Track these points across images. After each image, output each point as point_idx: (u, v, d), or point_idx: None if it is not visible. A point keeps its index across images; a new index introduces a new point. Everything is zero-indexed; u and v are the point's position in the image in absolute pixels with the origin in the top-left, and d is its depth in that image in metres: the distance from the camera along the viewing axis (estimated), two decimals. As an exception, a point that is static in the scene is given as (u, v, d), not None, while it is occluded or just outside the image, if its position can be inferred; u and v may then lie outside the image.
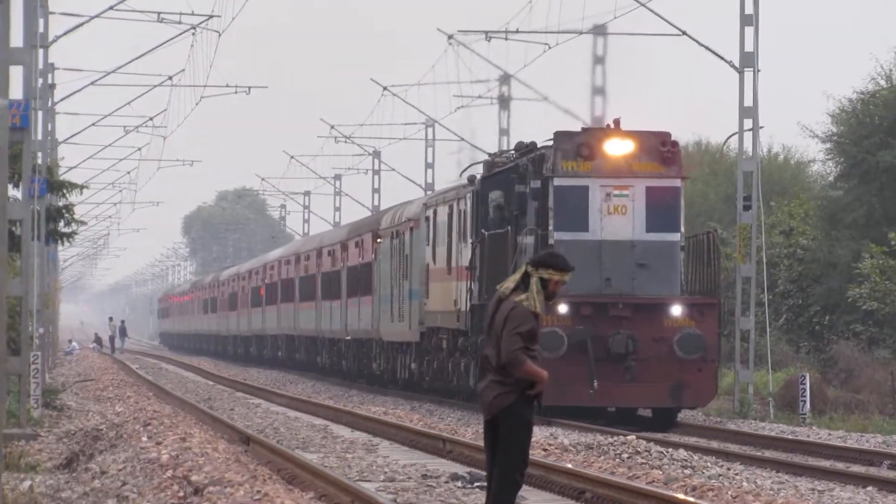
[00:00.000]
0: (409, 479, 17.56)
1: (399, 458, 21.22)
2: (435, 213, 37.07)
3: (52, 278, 43.83)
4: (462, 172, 34.35)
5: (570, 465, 16.87)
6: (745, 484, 16.84)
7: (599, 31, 41.85)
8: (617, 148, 26.93)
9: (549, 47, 39.82)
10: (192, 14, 37.14)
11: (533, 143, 30.87)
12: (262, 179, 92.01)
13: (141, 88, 47.02)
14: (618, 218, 26.68)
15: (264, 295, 67.06)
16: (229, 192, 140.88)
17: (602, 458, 18.73)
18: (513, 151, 32.62)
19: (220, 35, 39.38)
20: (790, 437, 25.70)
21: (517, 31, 41.07)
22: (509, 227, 28.79)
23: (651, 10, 32.76)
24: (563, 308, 26.47)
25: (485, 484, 12.79)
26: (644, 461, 18.21)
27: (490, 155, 33.76)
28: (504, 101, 52.31)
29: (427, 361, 37.39)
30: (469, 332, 32.54)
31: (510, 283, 9.71)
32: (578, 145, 26.96)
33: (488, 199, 30.63)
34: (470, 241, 32.31)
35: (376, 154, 70.20)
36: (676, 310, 26.42)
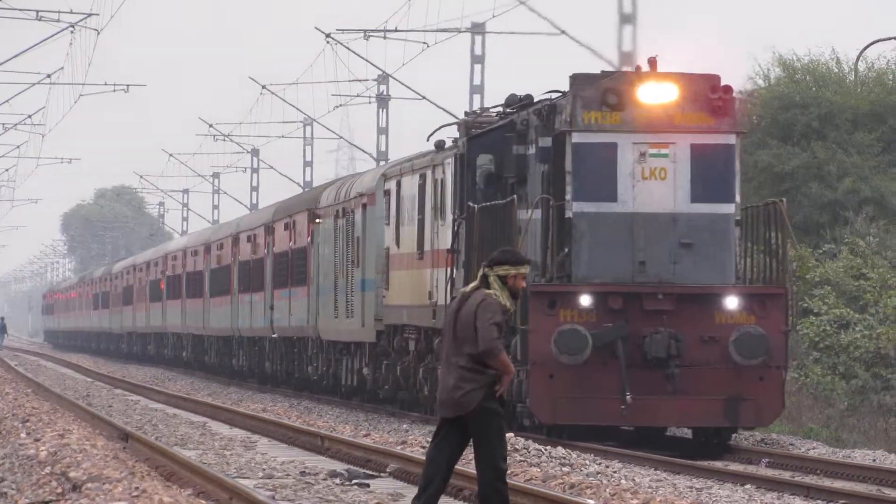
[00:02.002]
0: (287, 476, 18.48)
1: (277, 454, 22.40)
2: (399, 184, 33.11)
3: None
4: (429, 137, 31.80)
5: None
6: (623, 481, 17.49)
7: (478, 29, 43.73)
8: (654, 94, 22.91)
9: (427, 46, 41.12)
10: (71, 12, 38.76)
11: (529, 96, 27.06)
12: (141, 177, 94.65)
13: (20, 86, 49.69)
14: (655, 184, 22.93)
15: (165, 289, 65.35)
16: (108, 190, 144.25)
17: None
18: (499, 108, 28.41)
19: (98, 33, 41.77)
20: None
21: (395, 30, 42.36)
22: (514, 197, 24.58)
23: (531, 9, 33.79)
24: (586, 300, 22.93)
25: (363, 482, 16.37)
26: (522, 458, 18.82)
27: (466, 114, 30.27)
28: (382, 101, 53.26)
29: (386, 366, 33.62)
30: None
31: (471, 286, 9.98)
32: (605, 91, 22.89)
33: (476, 164, 26.37)
34: (451, 217, 28.48)
35: (255, 152, 72.93)
36: (732, 302, 22.97)
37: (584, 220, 23.06)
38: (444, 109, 41.87)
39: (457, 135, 31.03)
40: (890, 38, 44.13)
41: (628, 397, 22.88)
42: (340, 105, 54.56)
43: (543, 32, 33.79)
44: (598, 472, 19.12)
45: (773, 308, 23.37)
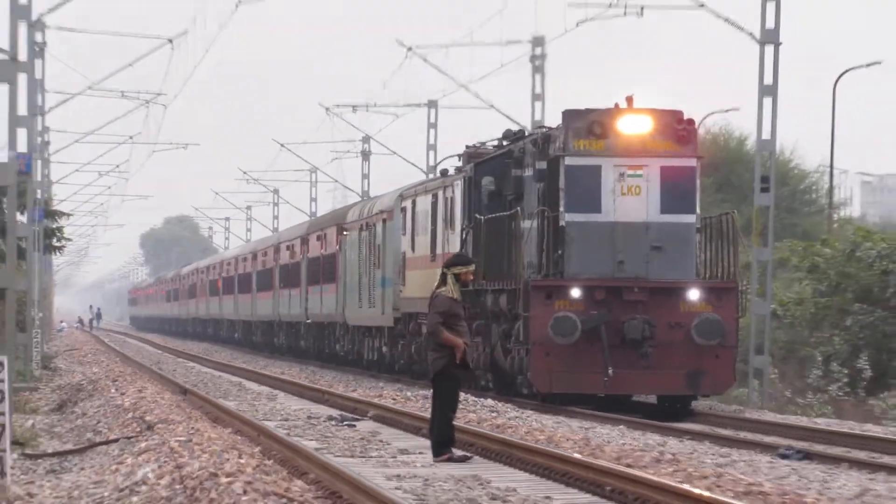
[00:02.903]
0: (298, 419, 22.90)
1: (291, 404, 27.26)
2: (413, 203, 34.73)
3: (47, 278, 55.90)
4: (436, 165, 34.91)
5: (415, 411, 21.61)
6: (533, 423, 20.71)
7: (432, 104, 56.31)
8: (631, 126, 24.56)
9: (397, 117, 57.94)
10: (147, 92, 50.62)
11: (522, 130, 29.01)
12: (196, 209, 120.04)
13: (110, 145, 63.96)
14: (631, 199, 24.46)
15: (221, 286, 75.42)
16: (173, 217, 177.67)
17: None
18: (496, 140, 30.28)
19: (165, 108, 54.89)
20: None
21: (375, 105, 57.57)
22: (518, 209, 26.06)
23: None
24: (575, 292, 24.23)
25: (354, 419, 21.35)
26: (463, 407, 20.86)
27: (467, 146, 31.24)
28: (366, 155, 67.91)
29: (402, 345, 35.68)
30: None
31: (437, 283, 14.56)
32: (591, 123, 24.50)
33: (481, 185, 28.44)
34: (459, 227, 29.88)
35: (275, 191, 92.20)
36: (694, 294, 24.21)
37: (575, 228, 24.40)
38: (412, 164, 56.10)
39: (458, 163, 32.48)
40: (722, 111, 46.99)
41: (610, 371, 23.86)
42: (336, 158, 72.05)
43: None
44: (516, 417, 22.27)
45: (727, 299, 24.33)
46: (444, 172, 33.73)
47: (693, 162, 24.68)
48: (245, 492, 12.80)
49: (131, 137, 60.16)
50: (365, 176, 67.52)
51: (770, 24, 29.41)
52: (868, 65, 50.93)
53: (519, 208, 26.18)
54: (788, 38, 31.10)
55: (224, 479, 13.55)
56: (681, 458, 16.18)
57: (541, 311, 23.99)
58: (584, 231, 24.48)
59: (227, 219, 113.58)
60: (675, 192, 24.54)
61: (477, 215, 28.20)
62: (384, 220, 37.57)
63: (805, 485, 14.29)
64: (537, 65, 45.68)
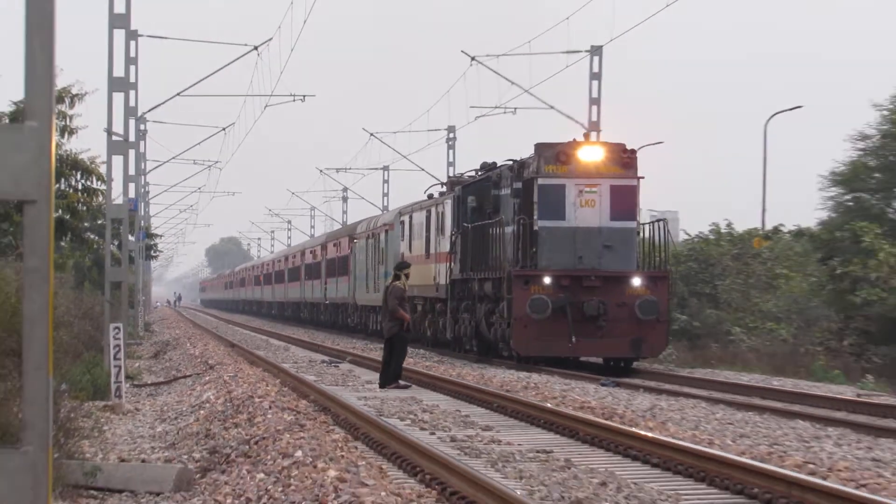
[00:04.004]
0: (302, 362, 29.42)
1: (299, 352, 34.60)
2: (410, 217, 37.08)
3: (147, 275, 67.18)
4: (426, 190, 38.04)
5: (376, 357, 26.62)
6: (472, 369, 25.84)
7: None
8: (588, 155, 26.22)
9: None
10: (208, 161, 64.66)
11: (494, 163, 30.62)
12: (240, 233, 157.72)
13: (187, 192, 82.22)
14: (588, 210, 26.19)
15: (262, 279, 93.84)
16: (225, 237, 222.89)
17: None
18: (472, 171, 32.27)
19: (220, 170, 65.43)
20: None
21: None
22: (499, 219, 27.84)
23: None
24: (547, 280, 25.53)
25: (339, 362, 29.35)
26: (419, 360, 28.91)
27: (449, 177, 32.71)
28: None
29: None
30: (448, 298, 31.59)
31: (390, 280, 21.55)
32: (557, 153, 26.20)
33: (467, 202, 29.90)
34: (449, 233, 31.24)
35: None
36: (636, 281, 25.62)
37: (545, 232, 25.80)
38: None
39: (442, 189, 35.52)
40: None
41: (573, 339, 25.29)
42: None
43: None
44: (463, 367, 26.49)
45: (661, 285, 25.72)
46: (430, 196, 36.05)
47: (634, 182, 26.00)
48: (270, 407, 16.22)
49: (199, 189, 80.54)
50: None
51: (594, 118, 32.46)
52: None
53: (499, 218, 27.26)
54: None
55: (257, 399, 17.49)
56: (540, 386, 20.39)
57: (520, 293, 25.25)
58: (552, 234, 25.84)
59: (272, 232, 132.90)
60: (621, 205, 26.04)
61: (464, 224, 29.39)
62: (386, 231, 41.17)
63: (616, 402, 17.89)
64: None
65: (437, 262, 33.13)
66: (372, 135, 52.67)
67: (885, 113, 36.93)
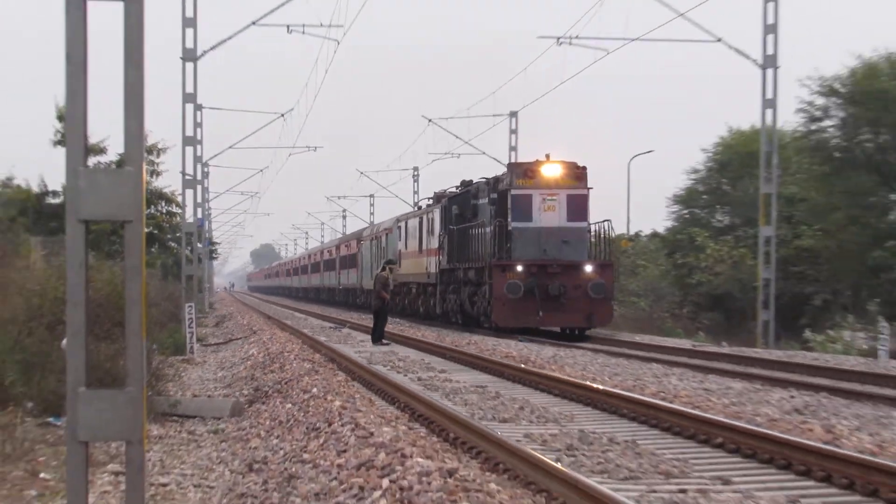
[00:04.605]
0: (316, 328, 31.94)
1: (314, 321, 38.16)
2: (406, 223, 38.53)
3: (210, 270, 70.10)
4: (415, 203, 39.69)
5: (367, 324, 31.32)
6: (453, 337, 25.93)
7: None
8: (549, 171, 27.17)
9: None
10: (252, 192, 72.53)
11: (470, 180, 31.79)
12: (273, 240, 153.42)
13: (238, 213, 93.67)
14: (550, 213, 27.06)
15: (290, 271, 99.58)
16: (264, 244, 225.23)
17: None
18: (453, 188, 33.53)
19: (260, 198, 72.67)
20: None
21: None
22: (480, 222, 28.70)
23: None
24: (519, 268, 26.25)
25: (341, 327, 32.18)
26: (403, 328, 31.01)
27: (435, 192, 34.99)
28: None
29: (398, 299, 39.22)
30: (437, 283, 32.49)
31: (379, 270, 24.49)
32: (525, 170, 26.95)
33: (451, 210, 30.94)
34: (437, 234, 32.41)
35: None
36: (588, 268, 26.38)
37: (517, 231, 26.58)
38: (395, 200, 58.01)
39: (429, 201, 36.53)
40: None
41: (540, 313, 26.13)
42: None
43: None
44: (450, 334, 27.46)
45: (607, 271, 26.52)
46: (419, 206, 37.45)
47: (585, 191, 26.79)
48: (294, 358, 18.06)
49: (245, 211, 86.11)
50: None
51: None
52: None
53: (480, 221, 28.37)
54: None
55: (286, 353, 19.48)
56: (478, 342, 22.89)
57: (499, 278, 26.16)
58: (522, 233, 26.66)
59: (307, 233, 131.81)
60: (575, 209, 26.89)
61: (450, 226, 30.55)
62: (387, 234, 42.75)
63: (529, 352, 20.00)
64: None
65: (428, 255, 34.29)
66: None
67: (709, 155, 46.36)
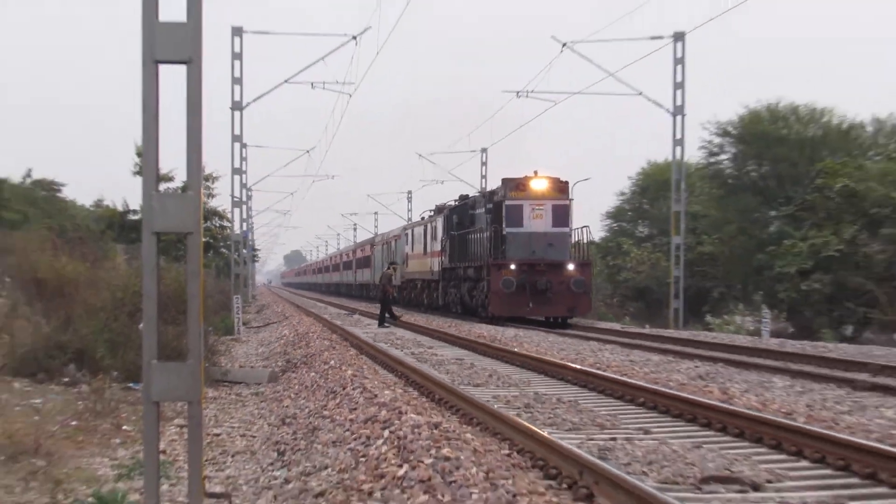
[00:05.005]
0: (334, 314, 33.50)
1: (332, 309, 39.19)
2: (412, 230, 39.05)
3: (253, 269, 70.70)
4: (421, 214, 40.00)
5: (374, 311, 32.06)
6: (451, 325, 26.06)
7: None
8: (537, 185, 27.54)
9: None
10: (283, 210, 70.01)
11: (467, 195, 32.42)
12: (301, 247, 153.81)
13: (274, 227, 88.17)
14: (538, 220, 27.35)
15: (314, 272, 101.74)
16: (295, 250, 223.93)
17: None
18: (453, 201, 33.85)
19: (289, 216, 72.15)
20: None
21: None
22: (480, 227, 29.12)
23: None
24: (512, 266, 26.58)
25: (353, 314, 33.29)
26: (403, 314, 29.70)
27: (437, 205, 35.66)
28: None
29: (405, 293, 39.99)
30: (440, 280, 32.96)
31: (385, 269, 26.16)
32: (518, 184, 27.42)
33: (452, 219, 31.46)
34: (440, 239, 32.97)
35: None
36: (570, 267, 26.67)
37: (511, 235, 26.96)
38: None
39: (430, 212, 36.20)
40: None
41: (530, 304, 26.41)
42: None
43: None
44: (452, 322, 27.22)
45: (586, 269, 26.81)
46: (425, 215, 38.26)
47: (567, 202, 26.99)
48: (316, 338, 19.06)
49: (279, 225, 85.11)
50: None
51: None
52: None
53: (479, 228, 29.04)
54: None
55: (310, 334, 20.64)
56: (459, 324, 24.37)
57: (496, 276, 26.45)
58: (515, 237, 26.99)
59: (339, 235, 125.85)
60: (559, 217, 27.20)
61: (451, 232, 31.10)
62: (396, 239, 43.63)
63: (497, 332, 21.18)
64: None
65: (432, 257, 34.73)
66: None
67: (634, 180, 51.64)
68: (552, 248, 27.46)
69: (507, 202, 27.50)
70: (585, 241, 27.38)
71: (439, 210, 34.02)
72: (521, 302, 26.74)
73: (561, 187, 27.76)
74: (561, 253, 27.42)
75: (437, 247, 33.62)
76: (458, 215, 31.36)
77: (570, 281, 26.71)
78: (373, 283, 51.49)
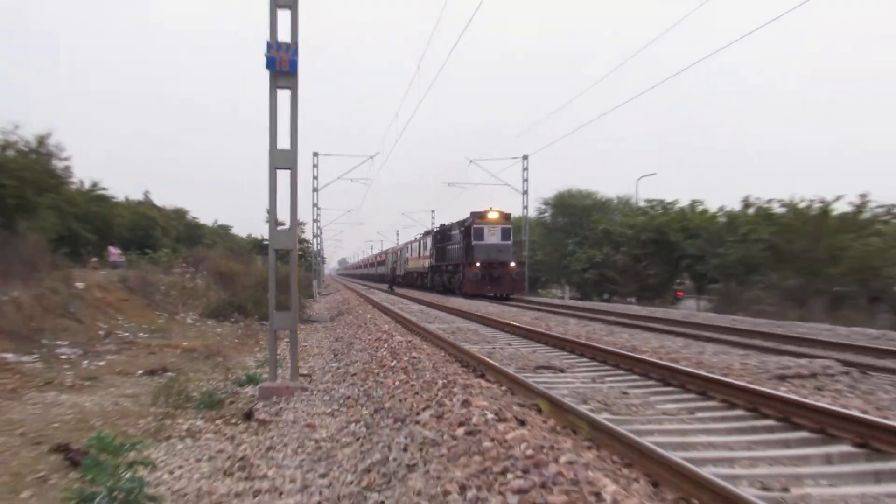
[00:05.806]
0: (368, 292, 30.20)
1: (361, 287, 36.83)
2: (409, 245, 39.70)
3: (321, 267, 66.88)
4: (415, 236, 38.95)
5: (384, 289, 27.71)
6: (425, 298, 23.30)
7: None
8: (492, 216, 28.51)
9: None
10: (336, 238, 68.49)
11: (444, 223, 32.44)
12: (345, 258, 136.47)
13: (339, 246, 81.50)
14: (493, 237, 28.29)
15: (358, 266, 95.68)
16: (345, 256, 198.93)
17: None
18: (438, 226, 33.81)
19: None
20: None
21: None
22: (456, 243, 29.74)
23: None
24: (478, 264, 27.38)
25: (392, 293, 25.99)
26: (398, 296, 26.37)
27: (425, 231, 35.63)
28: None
29: (406, 280, 40.12)
30: (429, 272, 33.10)
31: (391, 266, 26.18)
32: (481, 214, 28.39)
33: (437, 237, 32.11)
34: (430, 249, 33.63)
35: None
36: (512, 265, 27.50)
37: (477, 246, 27.65)
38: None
39: (421, 233, 34.92)
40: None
41: (489, 287, 27.01)
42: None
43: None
44: (436, 296, 24.98)
45: (520, 266, 27.95)
46: (420, 234, 36.61)
47: (509, 226, 28.10)
48: (353, 301, 20.24)
49: (339, 240, 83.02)
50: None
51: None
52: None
53: (455, 243, 29.75)
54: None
55: (350, 300, 21.27)
56: (450, 300, 21.97)
57: (468, 269, 27.23)
58: (479, 247, 27.37)
59: (382, 240, 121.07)
60: (505, 235, 27.99)
61: (437, 245, 31.57)
62: (399, 251, 44.10)
63: (472, 306, 18.92)
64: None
65: (424, 259, 35.62)
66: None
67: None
68: (501, 253, 28.26)
69: (475, 225, 28.57)
70: (521, 250, 28.61)
71: (427, 233, 34.54)
72: (483, 285, 27.64)
73: (506, 217, 28.79)
74: (506, 256, 28.36)
75: (427, 253, 34.89)
76: (441, 235, 32.64)
77: (512, 273, 27.79)
78: (386, 274, 53.46)
